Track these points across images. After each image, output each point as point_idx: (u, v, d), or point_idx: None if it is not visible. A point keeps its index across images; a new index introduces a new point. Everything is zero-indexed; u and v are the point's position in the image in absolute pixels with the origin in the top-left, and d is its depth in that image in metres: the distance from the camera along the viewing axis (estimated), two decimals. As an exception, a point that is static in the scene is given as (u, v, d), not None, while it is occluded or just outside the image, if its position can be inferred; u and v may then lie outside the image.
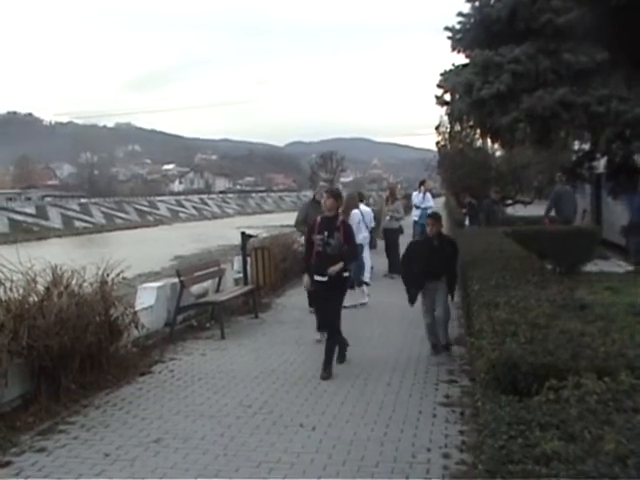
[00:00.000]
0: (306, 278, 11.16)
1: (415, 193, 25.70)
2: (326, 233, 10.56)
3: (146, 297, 13.30)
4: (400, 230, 22.22)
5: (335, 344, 10.68)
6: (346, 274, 10.74)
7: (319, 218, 10.92)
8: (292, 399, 9.15)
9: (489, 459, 3.81)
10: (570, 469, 3.53)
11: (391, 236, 21.75)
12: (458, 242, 12.69)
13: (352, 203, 17.07)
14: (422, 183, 26.79)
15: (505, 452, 3.81)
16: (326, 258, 10.52)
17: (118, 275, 11.03)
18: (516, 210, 32.31)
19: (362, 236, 17.20)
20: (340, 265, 10.46)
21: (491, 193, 27.20)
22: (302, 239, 15.63)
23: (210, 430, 8.02)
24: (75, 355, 9.31)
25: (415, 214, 24.88)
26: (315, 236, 10.73)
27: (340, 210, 11.25)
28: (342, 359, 10.99)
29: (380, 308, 15.73)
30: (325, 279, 10.55)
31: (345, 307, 15.82)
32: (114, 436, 7.89)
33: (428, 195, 26.72)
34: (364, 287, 16.61)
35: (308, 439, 7.61)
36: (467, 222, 28.63)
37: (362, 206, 18.96)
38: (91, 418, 8.57)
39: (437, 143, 42.74)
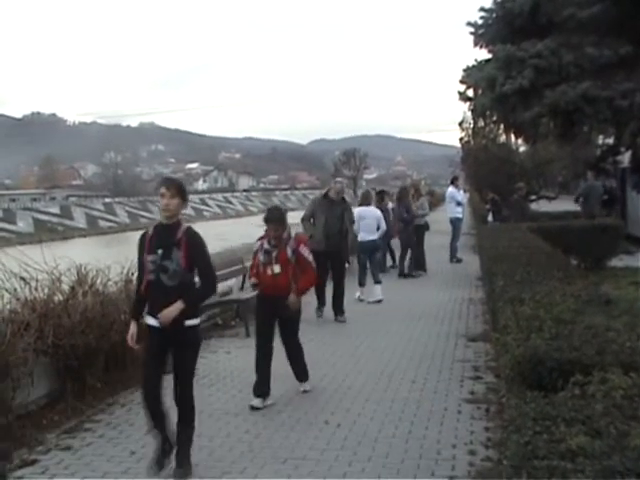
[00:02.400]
0: (132, 326, 7.15)
1: (452, 189, 25.26)
2: (160, 252, 6.75)
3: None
4: (426, 226, 22.20)
5: (189, 440, 7.05)
6: (193, 322, 6.87)
7: (152, 228, 7.08)
8: (317, 396, 9.16)
9: (514, 455, 3.79)
10: (596, 465, 3.51)
11: (417, 232, 21.72)
12: (482, 238, 12.61)
13: (364, 201, 17.61)
14: (456, 179, 26.49)
15: (530, 448, 3.78)
16: (161, 292, 6.76)
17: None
18: (540, 206, 32.19)
19: None
20: (177, 307, 6.64)
21: (517, 189, 27.07)
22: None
23: (235, 428, 8.03)
24: (100, 354, 9.36)
25: (458, 211, 24.65)
26: (145, 256, 6.94)
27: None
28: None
29: (404, 305, 15.73)
30: (159, 325, 6.79)
31: (368, 302, 16.26)
32: (139, 434, 7.91)
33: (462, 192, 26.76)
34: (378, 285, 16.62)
35: (333, 436, 7.62)
36: (490, 218, 28.51)
37: None
38: (116, 416, 8.61)
39: (460, 139, 42.75)
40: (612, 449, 3.67)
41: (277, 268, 9.04)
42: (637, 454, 3.59)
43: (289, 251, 9.10)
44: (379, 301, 16.29)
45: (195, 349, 7.08)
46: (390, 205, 22.71)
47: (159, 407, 6.98)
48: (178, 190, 6.89)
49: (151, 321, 6.90)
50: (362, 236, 16.74)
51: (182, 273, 6.76)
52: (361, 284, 16.87)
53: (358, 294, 16.68)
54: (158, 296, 6.80)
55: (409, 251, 20.92)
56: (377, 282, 16.66)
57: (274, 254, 9.07)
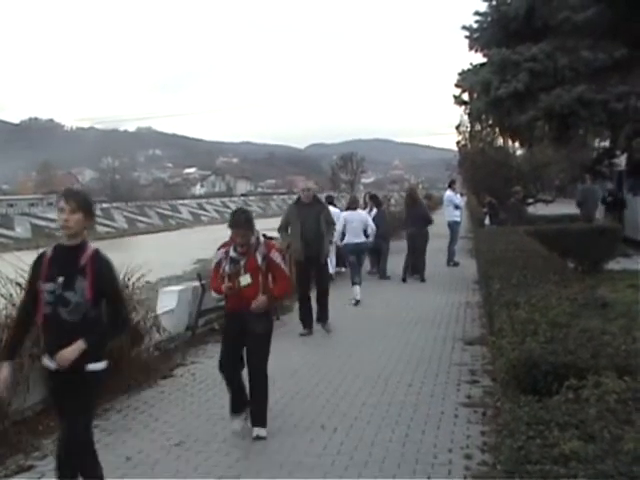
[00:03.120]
0: (3, 370, 5.78)
1: (450, 193, 25.45)
2: (61, 279, 5.57)
3: (167, 301, 13.32)
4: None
5: None
6: (97, 366, 5.70)
7: (50, 249, 5.89)
8: (313, 401, 9.16)
9: (507, 459, 3.79)
10: (589, 469, 3.51)
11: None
12: (479, 241, 12.64)
13: (351, 205, 18.77)
14: (453, 183, 26.78)
15: (524, 452, 3.78)
16: (59, 329, 5.61)
17: (139, 279, 11.05)
18: (537, 209, 32.20)
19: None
20: (78, 347, 5.52)
21: (514, 192, 27.03)
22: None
23: (231, 433, 8.03)
24: (96, 359, 9.32)
25: (456, 214, 24.90)
26: (42, 284, 5.71)
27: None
28: None
29: (401, 308, 15.76)
30: (57, 368, 5.64)
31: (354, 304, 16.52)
32: (136, 440, 7.92)
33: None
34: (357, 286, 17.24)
35: (329, 441, 7.61)
36: (487, 221, 28.49)
37: (331, 208, 19.72)
38: (113, 422, 8.60)
39: (458, 143, 42.60)
40: (605, 453, 3.67)
41: (247, 278, 8.03)
42: (630, 458, 3.59)
43: (259, 258, 8.08)
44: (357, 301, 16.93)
45: (91, 398, 5.90)
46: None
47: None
48: (80, 203, 5.75)
49: (48, 363, 5.76)
50: (348, 239, 17.53)
51: (86, 307, 5.62)
52: (354, 283, 17.25)
53: (352, 299, 16.89)
54: (55, 334, 5.65)
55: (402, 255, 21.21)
56: (359, 282, 17.39)
57: (242, 262, 8.05)
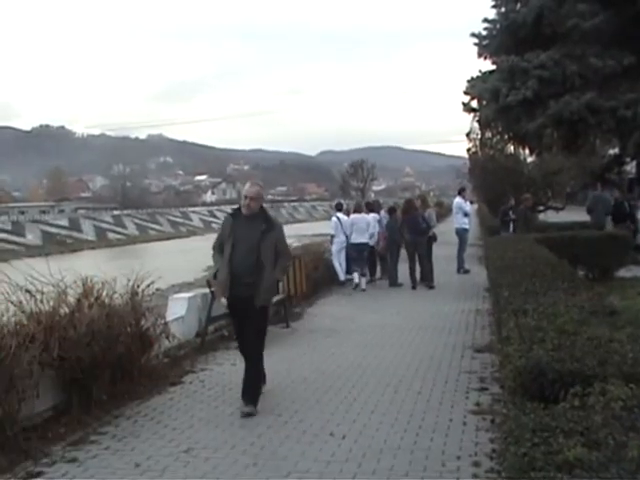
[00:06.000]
0: None
1: (460, 200, 25.31)
2: None
3: (177, 307, 13.37)
4: (434, 238, 22.22)
5: None
6: None
7: None
8: (323, 408, 9.14)
9: (511, 466, 3.80)
10: (593, 476, 3.51)
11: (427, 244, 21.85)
12: (489, 249, 12.59)
13: (356, 209, 22.22)
14: (463, 190, 26.68)
15: (528, 459, 3.79)
16: None
17: (149, 286, 11.07)
18: (548, 216, 32.13)
19: (339, 240, 21.69)
20: None
21: (524, 199, 26.80)
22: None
23: (240, 440, 8.03)
24: (106, 366, 9.35)
25: (465, 222, 24.85)
26: None
27: None
28: None
29: (411, 316, 15.74)
30: None
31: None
32: (145, 446, 7.93)
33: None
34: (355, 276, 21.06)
35: (338, 448, 7.60)
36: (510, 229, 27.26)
37: (340, 214, 22.18)
38: (122, 428, 8.61)
39: (468, 150, 42.58)
40: (609, 460, 3.66)
41: None
42: (634, 466, 3.59)
43: None
44: (357, 285, 20.71)
45: None
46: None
47: None
48: None
49: None
50: (354, 238, 21.11)
51: None
52: (350, 272, 21.44)
53: (355, 281, 20.83)
54: None
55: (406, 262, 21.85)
56: (363, 275, 20.99)
57: None
